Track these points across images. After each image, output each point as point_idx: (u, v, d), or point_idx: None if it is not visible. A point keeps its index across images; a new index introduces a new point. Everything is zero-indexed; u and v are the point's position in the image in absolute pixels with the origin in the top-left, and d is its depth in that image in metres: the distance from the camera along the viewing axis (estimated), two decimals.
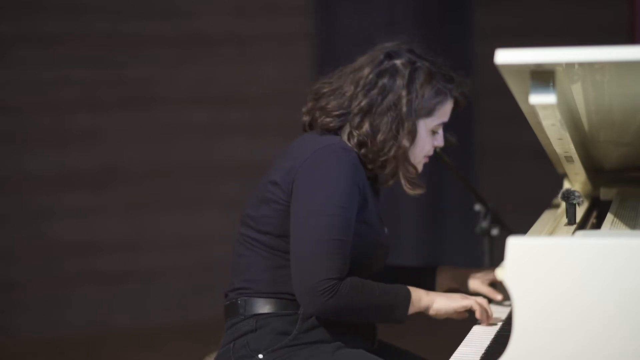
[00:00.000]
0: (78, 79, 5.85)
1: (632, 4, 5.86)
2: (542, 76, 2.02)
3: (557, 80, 2.03)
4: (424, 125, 2.61)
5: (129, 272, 5.99)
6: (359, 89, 2.59)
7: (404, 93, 2.57)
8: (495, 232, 3.36)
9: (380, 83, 2.58)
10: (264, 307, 2.59)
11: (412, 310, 2.53)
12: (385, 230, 2.70)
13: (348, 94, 2.60)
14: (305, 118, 2.67)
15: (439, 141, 2.67)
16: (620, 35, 5.94)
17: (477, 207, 3.38)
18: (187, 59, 6.04)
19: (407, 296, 2.52)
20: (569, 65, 2.03)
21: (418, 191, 2.65)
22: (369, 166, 2.62)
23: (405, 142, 2.58)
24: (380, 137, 2.57)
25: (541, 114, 2.15)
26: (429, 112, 2.60)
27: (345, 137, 2.60)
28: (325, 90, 2.64)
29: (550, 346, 2.02)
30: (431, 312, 2.56)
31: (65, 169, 5.86)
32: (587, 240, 2.04)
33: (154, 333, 5.82)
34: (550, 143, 2.48)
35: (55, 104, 5.83)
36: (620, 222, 2.56)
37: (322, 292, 2.44)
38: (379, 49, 2.65)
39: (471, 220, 3.70)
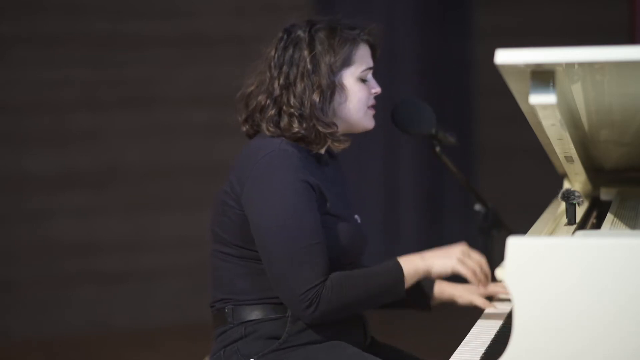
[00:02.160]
0: (78, 79, 5.85)
1: (632, 4, 5.86)
2: (542, 76, 2.02)
3: (557, 80, 2.03)
4: (350, 76, 2.62)
5: (129, 272, 5.99)
6: (273, 71, 2.62)
7: (311, 54, 2.58)
8: (495, 232, 3.35)
9: (287, 56, 2.61)
10: (251, 313, 2.58)
11: (409, 282, 2.54)
12: (357, 217, 2.70)
13: (267, 81, 2.62)
14: (244, 127, 2.69)
15: (375, 88, 2.67)
16: (620, 35, 5.94)
17: (477, 207, 3.37)
18: (187, 59, 6.04)
19: (400, 272, 2.52)
20: (569, 65, 2.02)
21: (344, 145, 2.64)
22: (316, 147, 2.61)
23: (338, 98, 2.60)
24: (307, 103, 2.57)
25: (541, 114, 2.15)
26: (347, 62, 2.61)
27: (285, 123, 2.59)
28: (250, 90, 2.67)
29: (550, 346, 2.02)
30: (433, 276, 2.57)
31: (65, 169, 5.86)
32: (587, 240, 2.04)
33: (153, 333, 5.82)
34: (550, 143, 2.47)
35: (55, 104, 5.83)
36: (620, 222, 2.56)
37: (306, 305, 2.46)
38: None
39: (471, 220, 3.69)
